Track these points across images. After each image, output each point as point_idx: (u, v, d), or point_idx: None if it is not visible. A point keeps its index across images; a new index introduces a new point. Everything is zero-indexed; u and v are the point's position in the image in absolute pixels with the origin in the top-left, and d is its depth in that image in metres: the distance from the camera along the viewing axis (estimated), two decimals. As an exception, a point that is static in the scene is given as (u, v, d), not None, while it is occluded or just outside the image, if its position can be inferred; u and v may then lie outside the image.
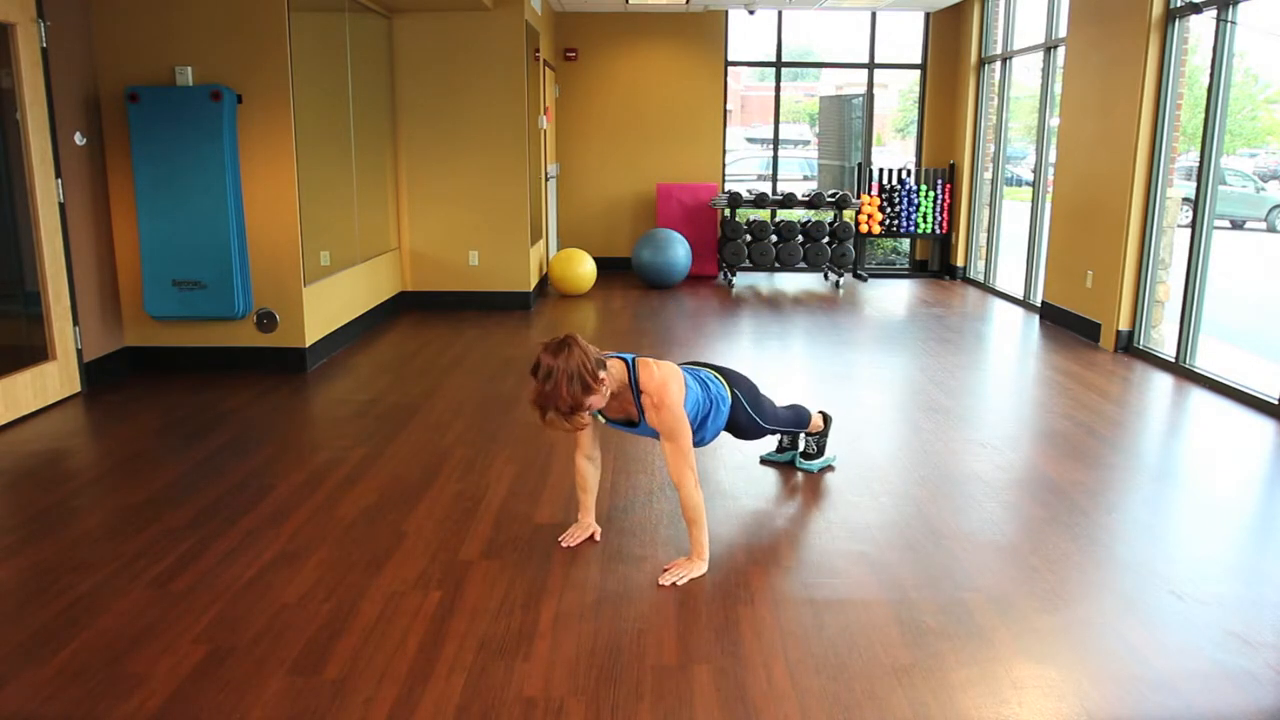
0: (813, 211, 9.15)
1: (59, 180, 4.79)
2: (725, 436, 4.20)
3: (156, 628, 2.62)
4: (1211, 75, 5.28)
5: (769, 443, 4.04)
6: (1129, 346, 6.10)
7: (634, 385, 2.93)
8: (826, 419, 3.86)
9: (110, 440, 4.30)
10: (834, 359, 5.97)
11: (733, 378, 3.38)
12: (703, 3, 8.86)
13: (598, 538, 3.20)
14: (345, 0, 6.21)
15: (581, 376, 2.73)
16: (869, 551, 3.14)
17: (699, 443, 3.23)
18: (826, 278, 9.38)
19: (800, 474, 3.85)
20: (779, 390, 4.90)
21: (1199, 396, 5.11)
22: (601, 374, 2.81)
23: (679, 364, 3.35)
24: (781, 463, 3.93)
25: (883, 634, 2.62)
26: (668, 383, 2.95)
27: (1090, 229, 6.45)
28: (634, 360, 2.98)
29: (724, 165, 9.75)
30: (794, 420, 3.65)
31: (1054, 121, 7.45)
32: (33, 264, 4.72)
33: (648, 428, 3.01)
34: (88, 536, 3.22)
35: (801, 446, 3.87)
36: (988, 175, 8.87)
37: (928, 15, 9.33)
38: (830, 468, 3.88)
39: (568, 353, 2.74)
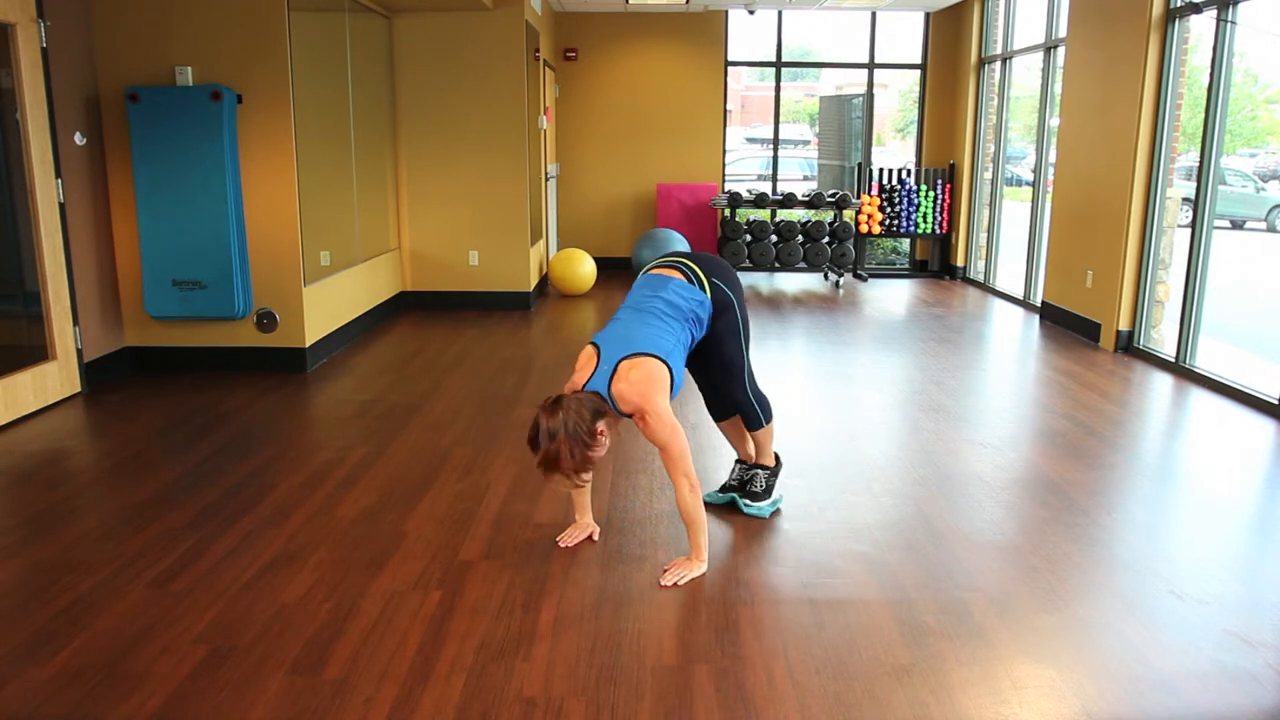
0: (813, 211, 9.16)
1: (59, 180, 4.79)
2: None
3: (156, 628, 2.62)
4: (1211, 75, 5.28)
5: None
6: (1129, 346, 6.10)
7: (615, 408, 2.85)
8: (778, 459, 3.53)
9: (110, 440, 4.30)
10: (834, 359, 5.96)
11: (708, 265, 3.15)
12: (703, 3, 8.86)
13: (596, 538, 3.20)
14: (345, 0, 6.22)
15: (580, 435, 2.69)
16: (869, 551, 3.14)
17: (699, 339, 3.12)
18: (826, 278, 9.38)
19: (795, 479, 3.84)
20: (779, 389, 4.89)
21: (1199, 396, 5.11)
22: (600, 424, 2.75)
23: (648, 266, 3.22)
24: (719, 505, 3.51)
25: (883, 634, 2.62)
26: (647, 393, 2.80)
27: (1090, 229, 6.45)
28: (609, 384, 2.83)
29: (724, 165, 9.75)
30: (761, 401, 3.36)
31: (1054, 121, 7.45)
32: (33, 264, 4.72)
33: None
34: (88, 536, 3.22)
35: (748, 485, 3.49)
36: (988, 175, 8.87)
37: (928, 15, 9.33)
38: (778, 510, 3.49)
39: (564, 413, 2.68)
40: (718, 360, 3.26)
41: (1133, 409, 4.89)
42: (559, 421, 2.68)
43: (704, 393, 3.47)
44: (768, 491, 3.47)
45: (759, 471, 3.48)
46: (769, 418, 3.39)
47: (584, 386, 2.87)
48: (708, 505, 3.43)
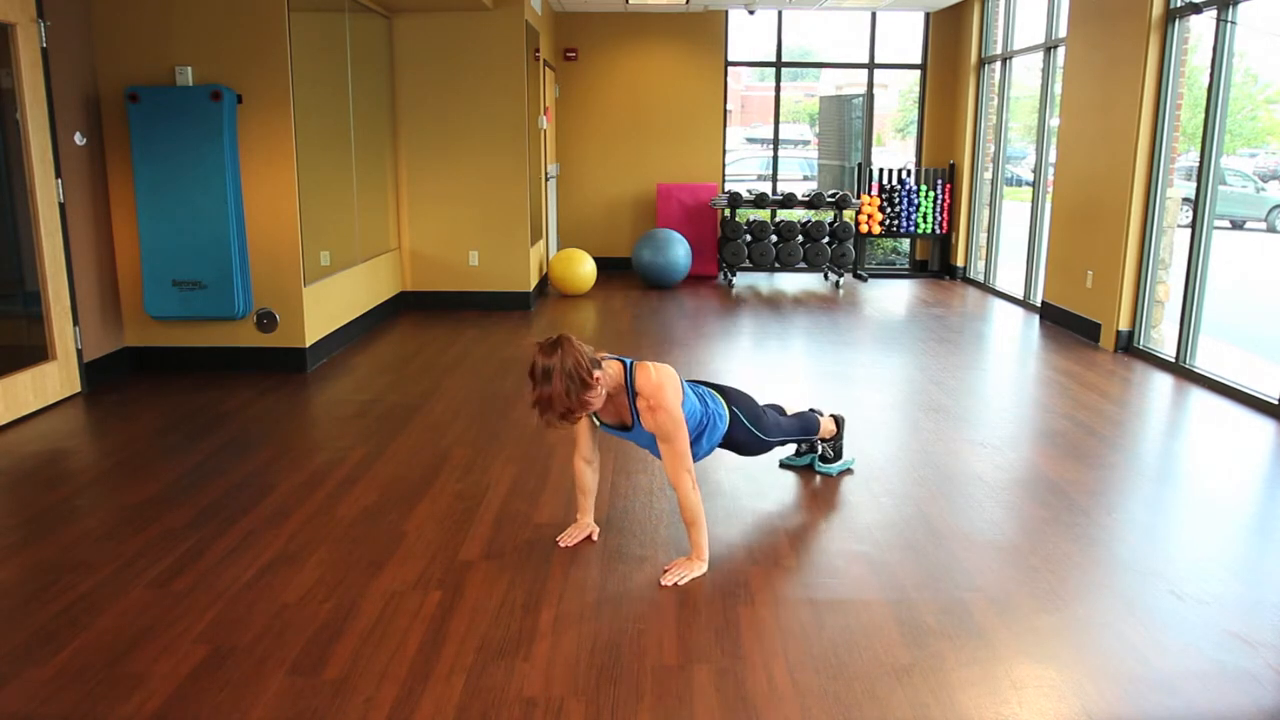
0: (813, 211, 9.15)
1: (59, 180, 4.79)
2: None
3: (156, 628, 2.62)
4: (1211, 75, 5.28)
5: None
6: (1129, 346, 6.10)
7: (630, 387, 2.92)
8: (839, 422, 3.82)
9: (110, 440, 4.30)
10: (834, 359, 5.96)
11: (731, 395, 3.36)
12: (703, 3, 8.86)
13: (595, 538, 3.20)
14: (345, 0, 6.22)
15: (578, 375, 2.73)
16: (869, 551, 3.14)
17: (693, 457, 3.22)
18: (826, 278, 9.37)
19: (798, 473, 3.85)
20: (780, 392, 4.90)
21: (1199, 396, 5.11)
22: (597, 373, 2.80)
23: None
24: (800, 466, 3.89)
25: (883, 634, 2.62)
26: (664, 385, 2.92)
27: (1090, 229, 6.45)
28: (631, 363, 2.97)
29: (724, 165, 9.75)
30: (801, 429, 3.61)
31: (1054, 121, 7.45)
32: (33, 264, 4.72)
33: (641, 433, 2.99)
34: (88, 536, 3.22)
35: (819, 451, 3.85)
36: (988, 175, 8.87)
37: (928, 15, 9.33)
38: (850, 470, 3.86)
39: (562, 352, 2.74)
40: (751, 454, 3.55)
41: (1133, 409, 4.89)
42: (556, 360, 2.74)
43: None
44: (838, 455, 3.85)
45: (822, 444, 3.84)
46: (815, 429, 3.67)
47: (606, 356, 2.97)
48: (790, 467, 3.91)
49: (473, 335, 6.58)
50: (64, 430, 4.44)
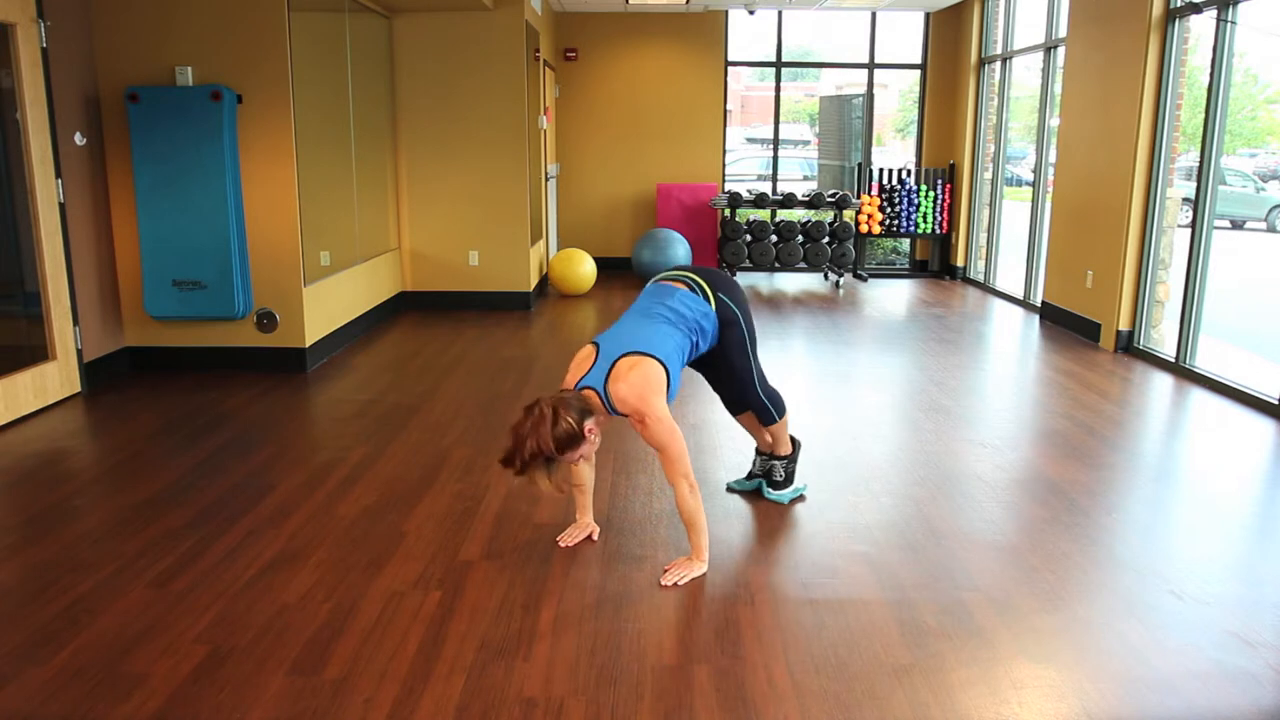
0: (813, 211, 9.15)
1: (59, 180, 4.79)
2: (723, 432, 4.20)
3: (156, 628, 2.62)
4: (1211, 75, 5.28)
5: (736, 471, 3.85)
6: (1129, 346, 6.10)
7: (611, 409, 2.85)
8: (795, 444, 3.60)
9: (110, 440, 4.30)
10: (834, 359, 5.96)
11: (714, 280, 3.17)
12: (703, 3, 8.86)
13: (595, 537, 3.20)
14: (345, 0, 6.22)
15: (569, 437, 2.71)
16: (869, 551, 3.14)
17: (703, 352, 3.13)
18: (826, 278, 9.38)
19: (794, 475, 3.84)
20: (780, 390, 4.89)
21: (1199, 396, 5.11)
22: (588, 423, 2.75)
23: (655, 279, 3.24)
24: (747, 491, 3.65)
25: (883, 634, 2.62)
26: (645, 395, 2.80)
27: (1090, 229, 6.45)
28: (605, 382, 2.83)
29: (724, 165, 9.75)
30: (773, 398, 3.42)
31: (1054, 121, 7.45)
32: (33, 264, 4.72)
33: None
34: (88, 536, 3.22)
35: (770, 472, 3.59)
36: (988, 175, 8.87)
37: (928, 15, 9.33)
38: (801, 497, 3.60)
39: (538, 416, 2.69)
40: (727, 372, 3.32)
41: (1133, 409, 4.89)
42: (532, 424, 2.69)
43: (718, 394, 3.54)
44: (788, 479, 3.58)
45: (775, 462, 3.58)
46: (781, 413, 3.46)
47: (578, 383, 2.88)
48: (737, 491, 3.66)
49: (473, 335, 6.58)
50: (64, 430, 4.44)
